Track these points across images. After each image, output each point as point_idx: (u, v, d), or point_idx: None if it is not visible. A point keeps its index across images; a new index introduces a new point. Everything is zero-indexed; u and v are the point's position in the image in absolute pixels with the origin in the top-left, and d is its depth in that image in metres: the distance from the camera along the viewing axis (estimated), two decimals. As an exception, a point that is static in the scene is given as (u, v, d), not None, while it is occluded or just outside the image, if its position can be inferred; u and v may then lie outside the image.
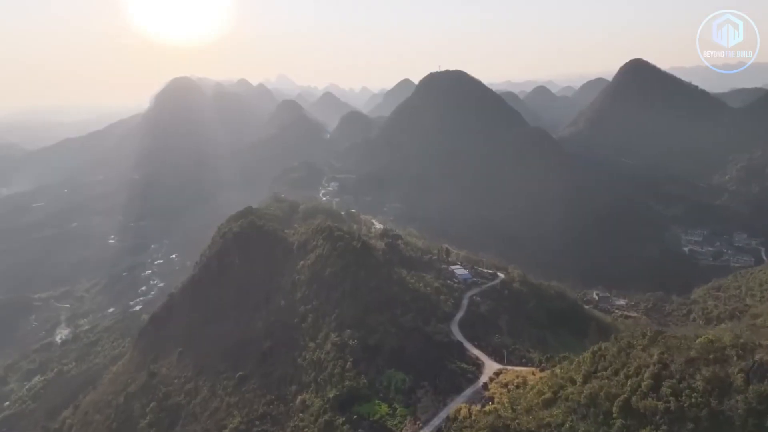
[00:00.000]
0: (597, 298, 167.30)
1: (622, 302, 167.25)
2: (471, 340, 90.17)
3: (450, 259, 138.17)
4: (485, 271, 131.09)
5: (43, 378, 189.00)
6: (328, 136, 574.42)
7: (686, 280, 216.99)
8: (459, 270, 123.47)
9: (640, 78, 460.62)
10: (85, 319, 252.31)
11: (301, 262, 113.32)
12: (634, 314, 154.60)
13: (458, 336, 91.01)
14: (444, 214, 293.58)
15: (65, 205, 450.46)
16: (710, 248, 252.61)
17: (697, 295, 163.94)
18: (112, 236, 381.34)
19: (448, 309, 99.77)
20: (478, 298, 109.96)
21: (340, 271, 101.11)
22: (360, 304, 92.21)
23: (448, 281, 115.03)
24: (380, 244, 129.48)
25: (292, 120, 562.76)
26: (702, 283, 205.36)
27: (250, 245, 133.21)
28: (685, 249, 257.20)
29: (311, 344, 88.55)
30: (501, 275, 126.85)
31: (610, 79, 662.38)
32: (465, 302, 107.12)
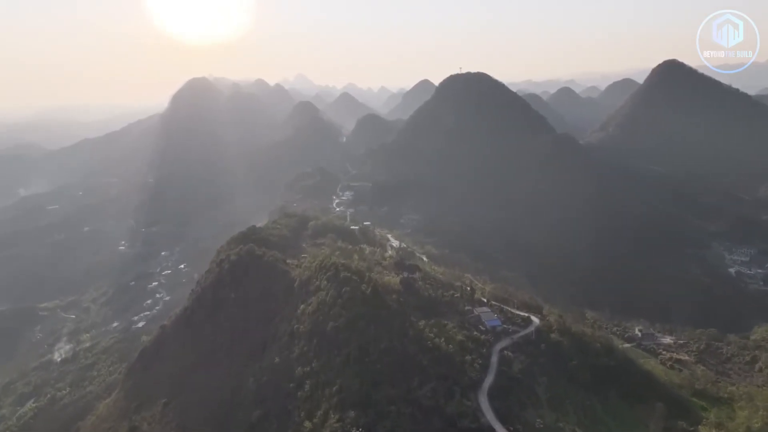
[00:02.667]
0: (639, 335, 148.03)
1: (668, 340, 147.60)
2: (504, 419, 73.25)
3: (475, 297, 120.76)
4: (516, 313, 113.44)
5: (35, 405, 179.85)
6: (344, 139, 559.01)
7: (736, 309, 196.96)
8: (486, 315, 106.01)
9: (674, 80, 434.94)
10: (88, 334, 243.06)
11: (302, 306, 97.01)
12: (685, 356, 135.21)
13: (488, 413, 73.96)
14: (464, 226, 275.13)
15: (79, 207, 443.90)
16: (759, 270, 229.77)
17: (759, 335, 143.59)
18: (123, 242, 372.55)
19: (474, 373, 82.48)
20: (509, 354, 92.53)
21: (345, 328, 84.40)
22: (368, 374, 75.50)
23: (474, 332, 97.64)
24: (395, 281, 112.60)
25: (308, 122, 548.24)
26: (755, 312, 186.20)
27: (247, 279, 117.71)
28: (731, 270, 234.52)
29: (307, 423, 72.17)
30: (535, 320, 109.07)
31: (636, 79, 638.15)
32: (494, 359, 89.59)
